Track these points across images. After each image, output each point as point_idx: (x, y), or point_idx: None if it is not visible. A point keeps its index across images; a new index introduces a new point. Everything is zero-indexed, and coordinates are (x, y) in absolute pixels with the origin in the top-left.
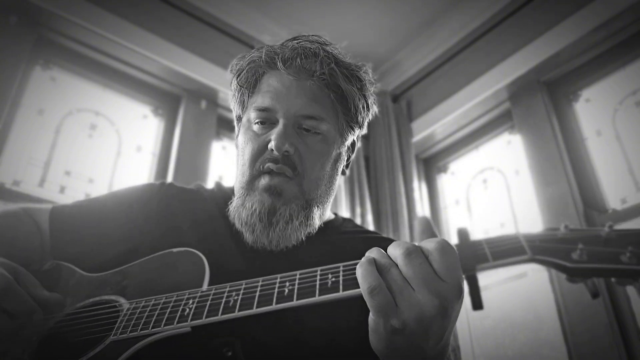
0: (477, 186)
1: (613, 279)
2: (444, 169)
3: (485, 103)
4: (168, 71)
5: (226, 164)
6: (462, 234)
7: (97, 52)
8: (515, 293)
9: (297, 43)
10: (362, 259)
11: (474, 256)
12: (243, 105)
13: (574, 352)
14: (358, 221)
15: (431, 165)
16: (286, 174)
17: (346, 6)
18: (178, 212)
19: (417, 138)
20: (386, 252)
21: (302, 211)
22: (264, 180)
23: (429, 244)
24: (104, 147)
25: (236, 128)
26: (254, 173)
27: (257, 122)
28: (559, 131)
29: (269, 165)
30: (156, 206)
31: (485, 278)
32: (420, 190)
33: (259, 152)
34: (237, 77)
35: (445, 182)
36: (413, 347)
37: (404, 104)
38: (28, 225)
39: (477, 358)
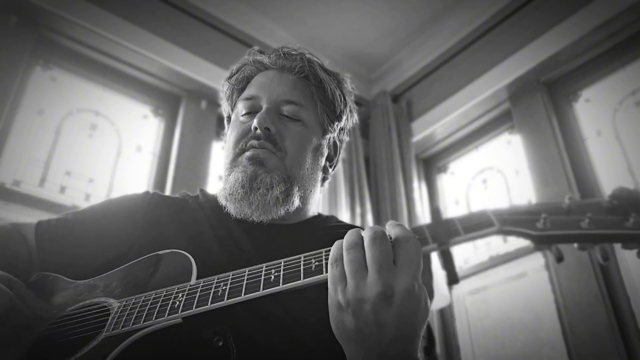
0: (477, 186)
1: (575, 245)
2: (444, 169)
3: (485, 103)
4: (168, 71)
5: None
6: (435, 212)
7: (97, 52)
8: (515, 293)
9: (282, 48)
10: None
11: (447, 232)
12: (233, 104)
13: (574, 352)
14: (358, 221)
15: (431, 165)
16: (268, 149)
17: (346, 6)
18: (164, 220)
19: (417, 138)
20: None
21: (282, 183)
22: (247, 153)
23: (399, 231)
24: (104, 147)
25: (226, 127)
26: (237, 152)
27: (244, 114)
28: (559, 131)
29: (252, 142)
30: (143, 215)
31: (485, 278)
32: (420, 190)
33: (243, 135)
34: (229, 79)
35: (445, 182)
36: (360, 332)
37: (404, 104)
38: (16, 238)
39: (477, 358)
